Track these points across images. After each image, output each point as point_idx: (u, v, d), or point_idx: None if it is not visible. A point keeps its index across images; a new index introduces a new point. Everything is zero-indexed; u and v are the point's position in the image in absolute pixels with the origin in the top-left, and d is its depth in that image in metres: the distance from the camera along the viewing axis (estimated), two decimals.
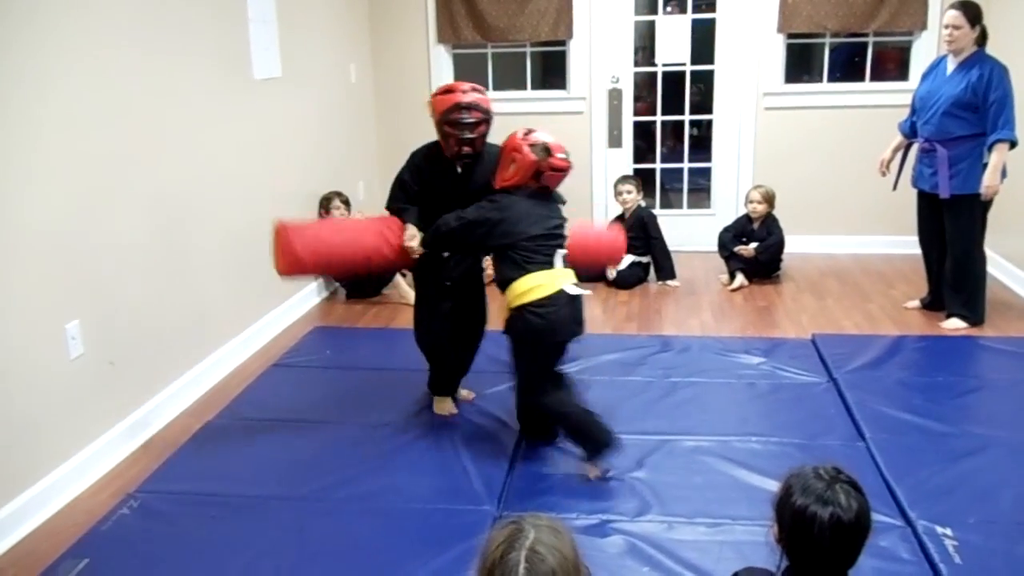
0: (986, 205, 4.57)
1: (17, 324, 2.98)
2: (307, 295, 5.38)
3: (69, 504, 3.19)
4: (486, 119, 3.40)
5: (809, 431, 3.53)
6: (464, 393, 3.90)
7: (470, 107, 3.33)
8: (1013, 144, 4.39)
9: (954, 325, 4.71)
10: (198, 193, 4.13)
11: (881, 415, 3.61)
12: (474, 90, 3.41)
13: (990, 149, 4.37)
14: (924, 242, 4.93)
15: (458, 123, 3.33)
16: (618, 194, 5.78)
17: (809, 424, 3.61)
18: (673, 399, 3.87)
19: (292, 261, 3.42)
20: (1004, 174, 4.45)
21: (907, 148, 4.86)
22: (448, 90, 3.44)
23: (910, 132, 4.78)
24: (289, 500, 3.10)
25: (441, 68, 6.45)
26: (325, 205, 5.46)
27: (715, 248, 5.78)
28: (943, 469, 3.18)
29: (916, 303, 5.07)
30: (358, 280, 5.45)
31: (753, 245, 5.57)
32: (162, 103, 3.83)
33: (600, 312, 5.18)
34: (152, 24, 3.75)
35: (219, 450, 3.50)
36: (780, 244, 5.63)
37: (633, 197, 5.73)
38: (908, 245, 5.12)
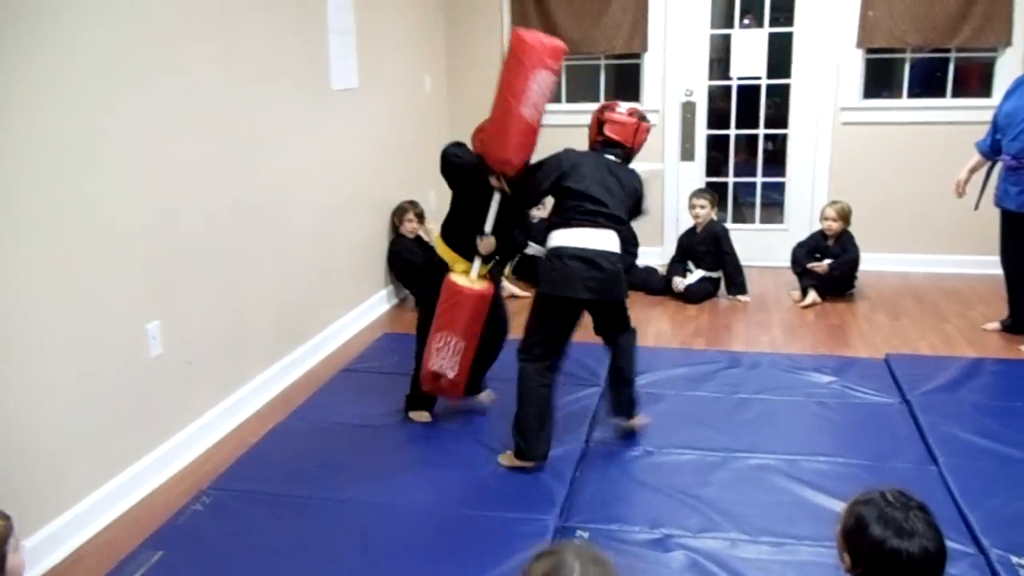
0: None
1: (101, 324, 3.10)
2: (377, 301, 5.47)
3: (147, 497, 3.31)
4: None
5: (879, 452, 3.46)
6: (484, 395, 3.93)
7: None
8: None
9: None
10: (275, 200, 4.24)
11: (955, 439, 3.52)
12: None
13: None
14: (1007, 262, 4.79)
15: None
16: (692, 208, 5.74)
17: (879, 445, 3.53)
18: (740, 415, 3.83)
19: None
20: None
21: (991, 167, 4.74)
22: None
23: (989, 151, 4.66)
24: (353, 503, 3.15)
25: None
26: (400, 215, 5.55)
27: (787, 264, 5.71)
28: (1019, 497, 3.08)
29: (996, 325, 4.93)
30: (427, 288, 5.50)
31: (827, 261, 5.49)
32: (243, 112, 3.94)
33: (668, 326, 5.16)
34: (237, 36, 3.87)
35: (288, 452, 3.57)
36: (855, 261, 5.53)
37: (706, 212, 5.69)
38: (988, 265, 4.98)
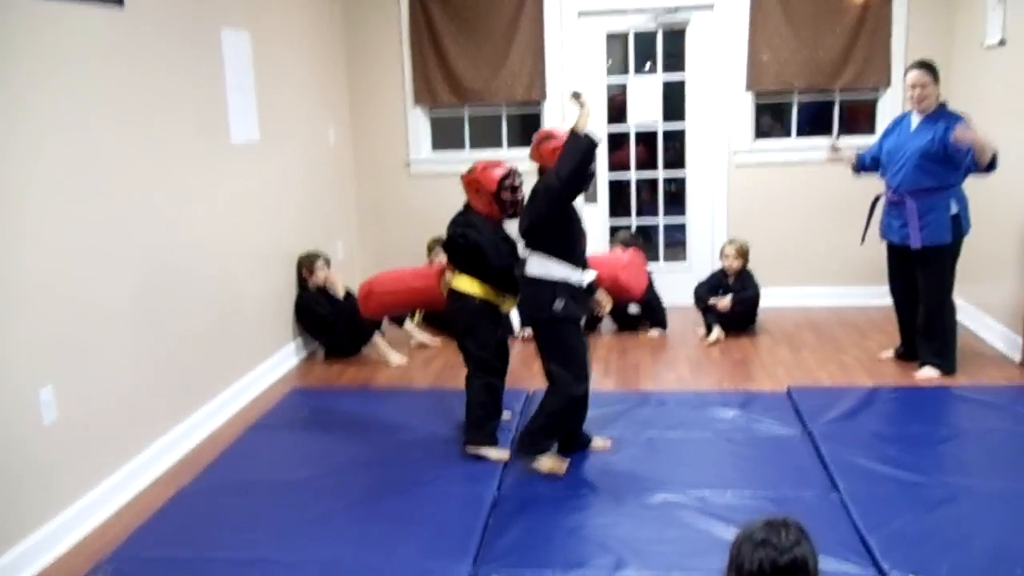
0: (955, 256, 4.66)
1: None
2: (286, 356, 5.39)
3: (43, 571, 3.16)
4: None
5: (784, 483, 3.55)
6: (599, 441, 3.96)
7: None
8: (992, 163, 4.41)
9: (927, 375, 4.76)
10: (176, 255, 4.17)
11: (855, 466, 3.63)
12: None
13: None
14: (896, 293, 5.00)
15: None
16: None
17: (784, 476, 3.63)
18: (649, 453, 3.88)
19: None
20: (965, 230, 4.60)
21: (874, 202, 4.96)
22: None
23: (868, 161, 4.89)
24: (264, 564, 3.07)
25: (419, 129, 6.56)
26: (308, 266, 5.50)
27: (691, 302, 5.84)
28: (917, 519, 3.20)
29: (890, 353, 5.13)
30: (336, 340, 5.48)
31: (728, 297, 5.64)
32: (142, 168, 3.88)
33: None
34: (134, 92, 3.83)
35: (194, 515, 3.47)
36: (755, 297, 5.70)
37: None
38: (883, 295, 5.19)
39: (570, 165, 3.41)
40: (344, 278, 5.68)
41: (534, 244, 3.60)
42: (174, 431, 4.12)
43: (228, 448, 4.13)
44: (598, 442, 3.94)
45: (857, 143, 6.06)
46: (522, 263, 3.64)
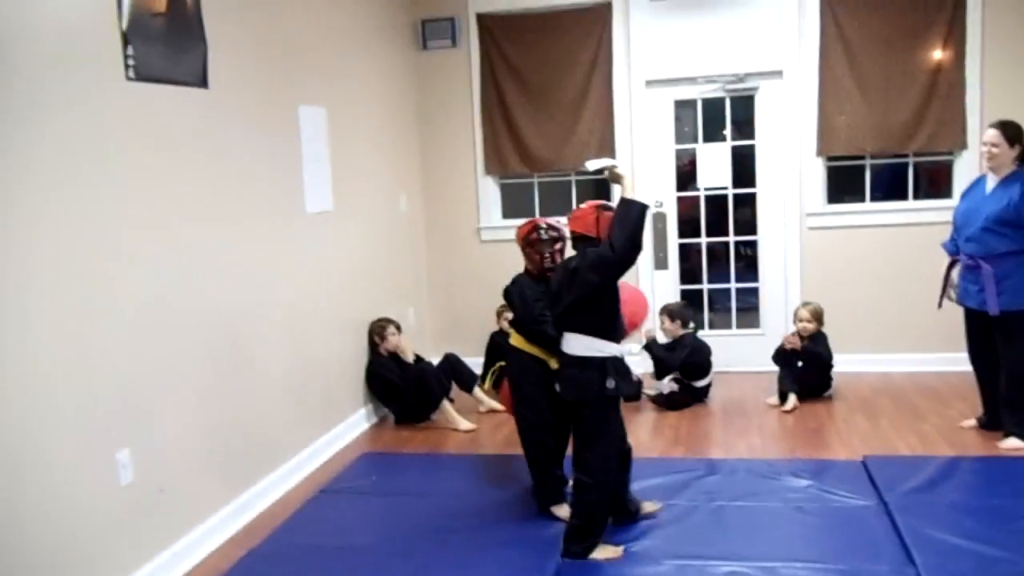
0: None
1: (68, 451, 3.11)
2: (356, 421, 5.47)
3: None
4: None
5: (857, 557, 3.44)
6: (648, 505, 3.96)
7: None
8: None
9: (1012, 445, 4.58)
10: (250, 322, 4.30)
11: (933, 540, 3.50)
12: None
13: None
14: (975, 359, 4.85)
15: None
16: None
17: (857, 550, 3.51)
18: (717, 523, 3.81)
19: None
20: None
21: (950, 265, 4.85)
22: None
23: (954, 250, 4.77)
24: None
25: (489, 197, 6.68)
26: (379, 332, 5.60)
27: (764, 368, 5.76)
28: None
29: (973, 422, 4.95)
30: (406, 406, 5.54)
31: (795, 334, 5.61)
32: (219, 236, 4.05)
33: (647, 435, 5.16)
34: (215, 165, 4.02)
35: None
36: (828, 359, 5.60)
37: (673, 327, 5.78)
38: (963, 362, 5.03)
39: (624, 234, 3.33)
40: (415, 344, 5.76)
41: (575, 325, 3.49)
42: (246, 493, 4.21)
43: (297, 512, 4.19)
44: (648, 506, 3.89)
45: (933, 206, 6.01)
46: (558, 337, 3.57)
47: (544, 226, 3.95)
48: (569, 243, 3.77)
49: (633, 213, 3.35)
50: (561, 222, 3.97)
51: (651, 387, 5.66)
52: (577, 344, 3.48)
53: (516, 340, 3.99)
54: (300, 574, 3.55)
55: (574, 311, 3.48)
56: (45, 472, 3.00)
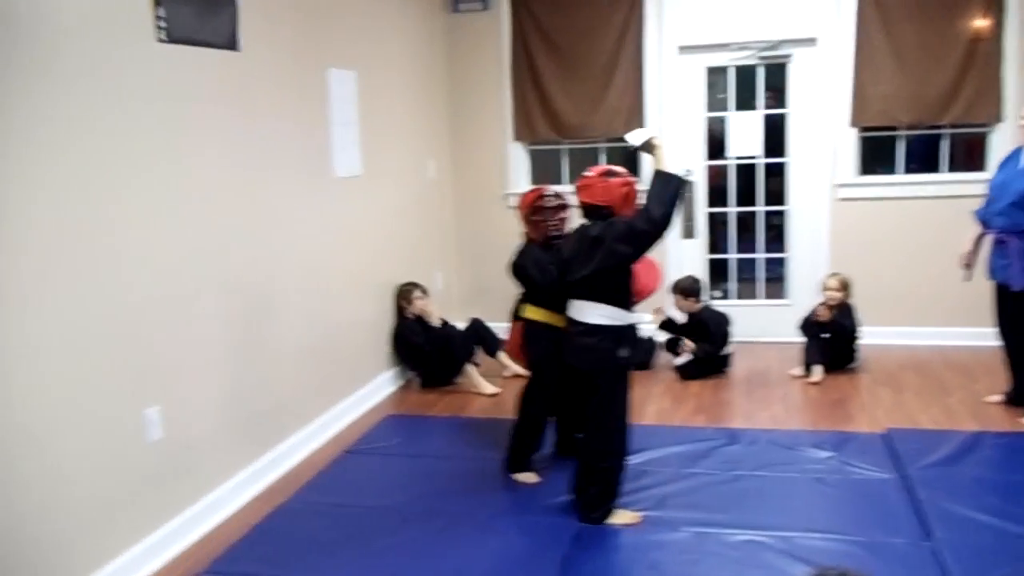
0: None
1: (99, 407, 3.19)
2: (382, 384, 5.53)
3: None
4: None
5: (875, 529, 3.46)
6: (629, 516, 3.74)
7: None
8: None
9: None
10: (279, 284, 4.36)
11: (952, 514, 3.51)
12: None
13: None
14: (1004, 334, 4.80)
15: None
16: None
17: (876, 521, 3.53)
18: (736, 492, 3.84)
19: None
20: None
21: (979, 239, 4.79)
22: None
23: (986, 218, 4.72)
24: None
25: (518, 163, 6.68)
26: (406, 296, 5.65)
27: (790, 339, 5.74)
28: (1016, 572, 3.07)
29: (999, 397, 4.92)
30: (431, 369, 5.60)
31: (824, 306, 5.59)
32: (247, 200, 4.09)
33: (669, 404, 5.18)
34: (244, 127, 4.05)
35: (287, 534, 3.61)
36: (854, 330, 5.58)
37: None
38: (993, 337, 4.99)
39: (662, 207, 3.29)
40: (441, 308, 5.80)
41: (592, 294, 3.47)
42: (272, 452, 4.29)
43: (323, 471, 4.27)
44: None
45: (966, 179, 5.92)
46: (573, 308, 3.56)
47: (551, 194, 3.99)
48: (575, 212, 3.76)
49: (672, 186, 3.32)
50: (562, 191, 4.04)
51: (681, 356, 5.69)
52: (592, 312, 3.47)
53: (532, 312, 3.97)
54: (325, 531, 3.63)
55: (592, 280, 3.46)
56: (75, 429, 3.08)
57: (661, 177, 3.35)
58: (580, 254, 3.48)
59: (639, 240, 3.36)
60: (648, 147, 3.50)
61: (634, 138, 3.56)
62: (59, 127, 2.99)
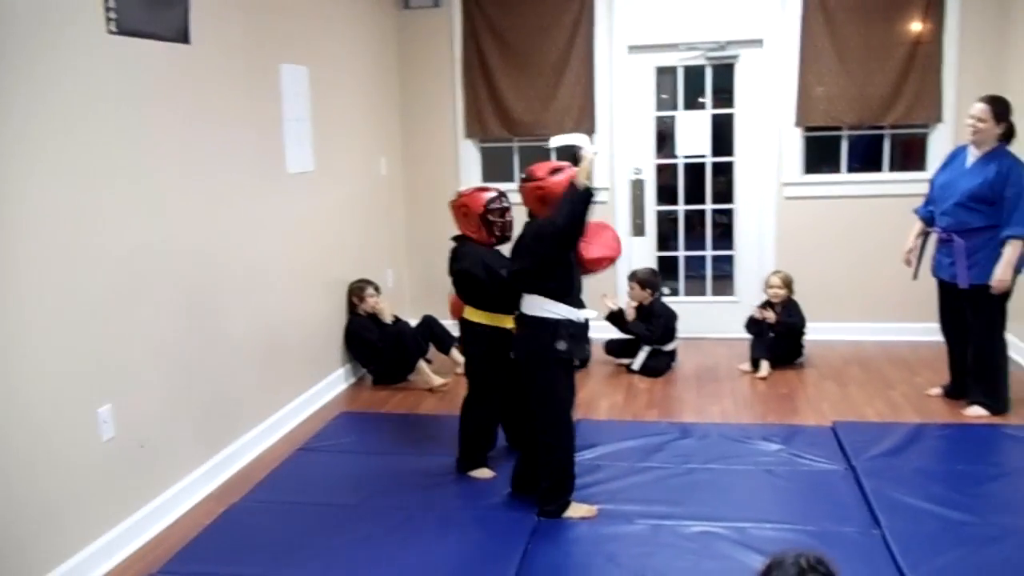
0: (1006, 294, 4.59)
1: (51, 406, 3.13)
2: (334, 381, 5.50)
3: None
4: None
5: (825, 518, 3.54)
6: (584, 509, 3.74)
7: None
8: None
9: (976, 413, 4.70)
10: (230, 281, 4.31)
11: (898, 503, 3.61)
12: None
13: (1003, 244, 4.42)
14: (946, 330, 4.94)
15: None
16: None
17: (825, 511, 3.61)
18: (689, 485, 3.90)
19: None
20: (1018, 269, 4.48)
21: (925, 237, 4.92)
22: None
23: (928, 217, 4.84)
24: None
25: (469, 161, 6.69)
26: (358, 293, 5.62)
27: (738, 335, 5.85)
28: (960, 558, 3.17)
29: (939, 390, 5.06)
30: (384, 366, 5.58)
31: (770, 311, 5.70)
32: (197, 195, 4.04)
33: (622, 399, 5.23)
34: (193, 122, 3.99)
35: (239, 534, 3.57)
36: (800, 325, 5.71)
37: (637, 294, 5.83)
38: (932, 332, 5.13)
39: (566, 216, 3.39)
40: (393, 305, 5.78)
41: (529, 287, 3.55)
42: (226, 450, 4.24)
43: (275, 470, 4.23)
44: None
45: (907, 178, 6.08)
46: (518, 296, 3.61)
47: (501, 194, 4.01)
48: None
49: (578, 197, 3.40)
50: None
51: (632, 361, 5.74)
52: (531, 304, 3.54)
53: (473, 314, 3.97)
54: (279, 529, 3.60)
55: (528, 274, 3.56)
56: (28, 428, 3.01)
57: (571, 188, 3.42)
58: (518, 249, 3.65)
59: (548, 242, 3.49)
60: (572, 155, 3.56)
61: (555, 141, 3.70)
62: (6, 120, 2.92)
